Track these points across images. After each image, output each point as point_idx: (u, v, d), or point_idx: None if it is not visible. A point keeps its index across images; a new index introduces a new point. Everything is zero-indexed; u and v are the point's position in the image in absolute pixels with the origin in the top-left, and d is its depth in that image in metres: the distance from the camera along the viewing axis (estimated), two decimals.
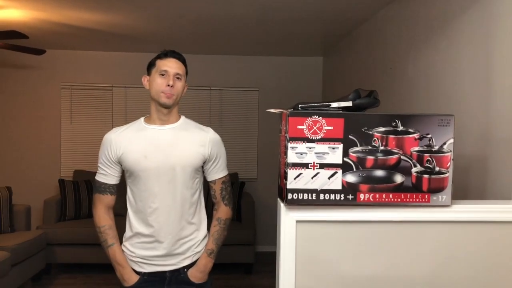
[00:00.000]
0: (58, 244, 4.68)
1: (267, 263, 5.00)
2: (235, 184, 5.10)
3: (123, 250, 2.03)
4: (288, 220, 1.41)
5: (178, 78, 1.96)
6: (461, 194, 2.16)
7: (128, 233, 2.03)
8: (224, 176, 2.08)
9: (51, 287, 4.42)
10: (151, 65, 2.00)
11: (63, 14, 3.91)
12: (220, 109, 5.70)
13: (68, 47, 5.38)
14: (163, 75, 1.94)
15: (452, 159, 1.42)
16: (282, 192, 1.40)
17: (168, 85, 1.92)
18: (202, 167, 2.03)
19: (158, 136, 1.97)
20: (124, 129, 2.02)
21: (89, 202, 5.07)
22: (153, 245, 1.97)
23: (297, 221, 1.41)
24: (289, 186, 1.36)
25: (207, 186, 2.13)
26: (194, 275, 1.98)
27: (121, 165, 2.00)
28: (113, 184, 2.03)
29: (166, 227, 1.95)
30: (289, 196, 1.37)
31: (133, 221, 1.99)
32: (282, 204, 1.41)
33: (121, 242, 2.07)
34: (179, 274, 1.98)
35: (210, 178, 2.06)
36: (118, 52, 5.54)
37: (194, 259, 2.01)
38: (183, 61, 2.00)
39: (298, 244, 1.41)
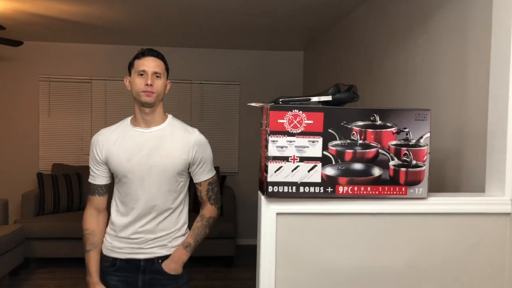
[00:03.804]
0: (37, 238, 4.62)
1: (248, 256, 5.03)
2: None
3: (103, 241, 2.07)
4: (269, 212, 1.43)
5: (157, 77, 1.95)
6: (437, 187, 2.21)
7: (108, 229, 2.08)
8: (211, 178, 2.08)
9: (30, 281, 4.36)
10: (130, 66, 2.00)
11: (41, 5, 3.84)
12: (201, 102, 5.69)
13: (46, 39, 5.28)
14: (141, 75, 1.93)
15: (429, 153, 1.45)
16: (263, 185, 1.42)
17: (147, 84, 1.91)
18: (188, 169, 2.04)
19: (142, 140, 1.97)
20: (111, 130, 2.03)
21: (67, 196, 5.03)
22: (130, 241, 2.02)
23: (278, 214, 1.43)
24: (269, 179, 1.38)
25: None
26: (168, 265, 2.00)
27: (108, 167, 2.02)
28: (102, 185, 2.05)
29: (147, 233, 2.00)
30: (270, 189, 1.39)
31: (115, 218, 2.04)
32: (262, 197, 1.43)
33: None
34: (153, 264, 2.00)
35: (196, 180, 2.06)
36: (98, 44, 5.47)
37: (170, 252, 2.02)
38: (161, 58, 1.99)
39: (279, 236, 1.44)
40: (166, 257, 2.01)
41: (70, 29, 4.72)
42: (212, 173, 2.08)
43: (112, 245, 2.03)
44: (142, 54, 1.96)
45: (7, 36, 4.23)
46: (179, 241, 2.04)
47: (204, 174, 2.05)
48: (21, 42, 4.24)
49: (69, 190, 5.05)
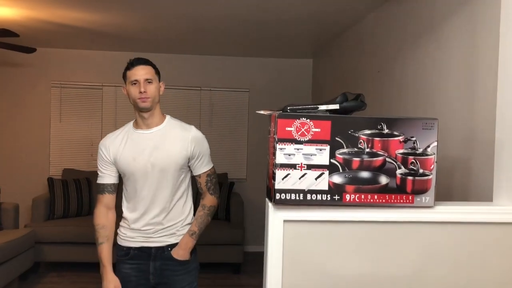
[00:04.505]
0: (47, 243, 4.66)
1: (256, 263, 5.02)
2: (225, 185, 5.12)
3: (117, 232, 2.23)
4: (276, 219, 1.44)
5: (149, 82, 2.10)
6: (445, 195, 2.21)
7: (122, 223, 2.25)
8: (209, 170, 2.23)
9: (39, 285, 4.40)
10: (124, 77, 2.16)
11: (53, 13, 3.91)
12: (210, 109, 5.72)
13: (58, 46, 5.36)
14: (134, 83, 2.10)
15: (436, 162, 1.46)
16: (270, 192, 1.44)
17: (141, 92, 2.08)
18: (188, 163, 2.19)
19: (144, 140, 2.14)
20: (116, 135, 2.21)
21: (77, 201, 5.07)
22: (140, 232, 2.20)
23: (285, 221, 1.44)
24: (277, 186, 1.39)
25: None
26: (176, 252, 2.16)
27: (116, 167, 2.19)
28: (110, 184, 2.21)
29: (157, 224, 2.16)
30: (277, 196, 1.40)
31: (126, 214, 2.21)
32: (270, 204, 1.44)
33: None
34: (163, 252, 2.16)
35: (195, 172, 2.22)
36: (109, 51, 5.53)
37: (178, 240, 2.18)
38: (150, 64, 2.14)
39: (286, 243, 1.44)
40: (174, 245, 2.17)
41: (82, 36, 4.78)
42: (210, 165, 2.24)
43: (126, 235, 2.19)
44: (131, 64, 2.13)
45: (20, 43, 4.30)
46: (187, 229, 2.20)
47: (202, 167, 2.21)
48: (34, 49, 4.31)
49: (79, 195, 5.09)
